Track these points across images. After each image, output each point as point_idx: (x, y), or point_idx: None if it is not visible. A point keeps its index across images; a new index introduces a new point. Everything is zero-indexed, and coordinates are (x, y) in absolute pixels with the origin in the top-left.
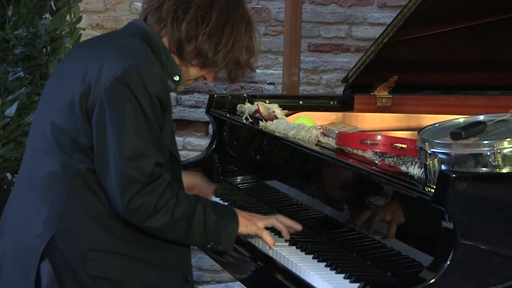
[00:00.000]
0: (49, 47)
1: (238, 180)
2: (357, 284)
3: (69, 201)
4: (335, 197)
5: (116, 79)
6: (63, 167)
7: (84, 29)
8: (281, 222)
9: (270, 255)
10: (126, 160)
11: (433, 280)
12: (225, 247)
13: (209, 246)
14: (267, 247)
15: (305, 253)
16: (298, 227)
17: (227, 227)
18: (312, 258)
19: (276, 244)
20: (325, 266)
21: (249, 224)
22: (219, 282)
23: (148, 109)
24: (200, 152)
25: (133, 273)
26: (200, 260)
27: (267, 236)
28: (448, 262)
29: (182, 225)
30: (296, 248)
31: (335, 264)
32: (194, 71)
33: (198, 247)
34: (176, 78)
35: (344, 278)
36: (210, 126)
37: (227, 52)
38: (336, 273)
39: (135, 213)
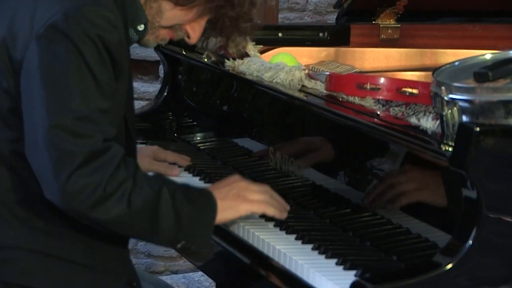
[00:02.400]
0: None
1: (198, 138)
2: (353, 272)
3: None
4: (325, 159)
5: (52, 25)
6: None
7: None
8: (276, 200)
9: (241, 236)
10: (60, 125)
11: (450, 265)
12: (200, 246)
13: (179, 246)
14: (237, 228)
15: (286, 233)
16: (286, 209)
17: (204, 219)
18: (296, 239)
19: (247, 221)
20: (312, 249)
21: (239, 205)
22: (175, 272)
23: (93, 63)
24: (147, 102)
25: (60, 279)
26: (150, 244)
27: (272, 210)
28: (470, 242)
29: (143, 218)
30: (275, 226)
31: (325, 246)
32: (167, 8)
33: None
34: (141, 27)
35: (336, 264)
36: (161, 67)
37: None
38: (326, 258)
39: (75, 198)
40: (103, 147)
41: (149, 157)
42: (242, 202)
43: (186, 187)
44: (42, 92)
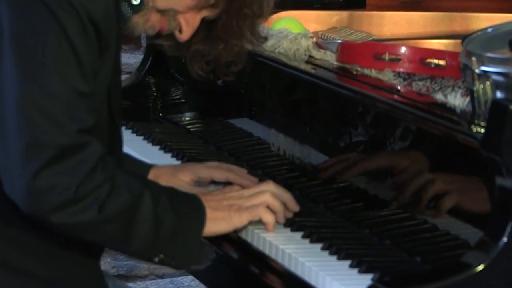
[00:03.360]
0: None
1: (187, 119)
2: (370, 275)
3: None
4: (336, 143)
5: None
6: None
7: None
8: (278, 196)
9: (239, 234)
10: (34, 110)
11: (482, 266)
12: (182, 262)
13: (156, 259)
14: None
15: (291, 230)
16: (295, 207)
17: (189, 230)
18: (302, 237)
19: None
20: (322, 249)
21: (232, 216)
22: (161, 276)
23: (76, 38)
24: (128, 75)
25: None
26: None
27: (267, 216)
28: (505, 239)
29: (115, 226)
30: (278, 222)
31: (337, 245)
32: None
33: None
34: (136, 1)
35: (350, 266)
36: (143, 35)
37: None
38: (338, 259)
39: (41, 196)
40: (79, 143)
41: (187, 178)
42: (235, 213)
43: (173, 192)
44: (12, 66)
